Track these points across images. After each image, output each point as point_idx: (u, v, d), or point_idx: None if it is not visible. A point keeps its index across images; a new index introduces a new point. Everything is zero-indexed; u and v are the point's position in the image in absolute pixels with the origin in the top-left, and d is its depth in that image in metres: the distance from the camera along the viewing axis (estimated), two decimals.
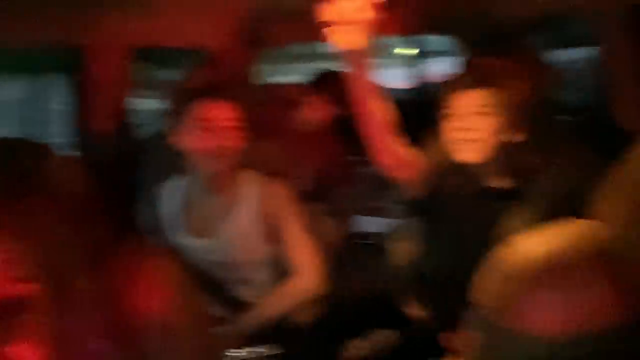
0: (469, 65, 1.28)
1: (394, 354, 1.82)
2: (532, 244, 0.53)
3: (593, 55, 1.80)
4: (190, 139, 1.29)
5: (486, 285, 0.56)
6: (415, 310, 1.55)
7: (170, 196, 1.41)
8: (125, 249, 0.68)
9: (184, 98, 1.30)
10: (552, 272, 0.50)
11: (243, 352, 1.23)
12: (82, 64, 1.64)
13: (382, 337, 1.85)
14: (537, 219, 1.02)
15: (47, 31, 1.17)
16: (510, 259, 0.54)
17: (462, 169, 1.29)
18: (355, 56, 1.09)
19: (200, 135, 1.27)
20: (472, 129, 1.19)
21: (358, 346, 1.82)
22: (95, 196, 0.68)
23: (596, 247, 0.51)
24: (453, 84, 1.25)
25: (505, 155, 1.26)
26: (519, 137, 1.25)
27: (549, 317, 0.48)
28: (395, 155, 1.23)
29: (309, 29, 2.53)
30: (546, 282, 0.50)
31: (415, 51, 3.72)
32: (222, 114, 1.28)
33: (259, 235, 1.35)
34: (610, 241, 0.51)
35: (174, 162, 1.46)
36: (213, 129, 1.27)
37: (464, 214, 1.27)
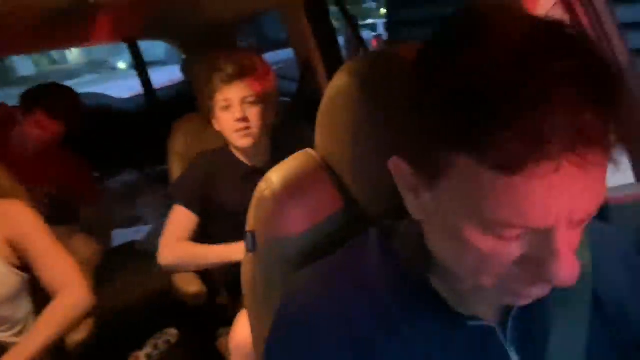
0: (223, 59, 1.34)
1: (177, 348, 1.86)
2: (273, 173, 0.70)
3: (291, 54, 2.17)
4: None
5: (253, 214, 0.71)
6: (190, 290, 1.61)
7: None
8: None
9: None
10: (290, 188, 0.67)
11: None
12: None
13: (163, 338, 1.87)
14: None
15: None
16: (260, 188, 0.70)
17: (228, 155, 1.42)
18: None
19: None
20: (247, 117, 1.32)
21: (139, 355, 1.80)
22: None
23: (312, 165, 0.70)
24: (218, 77, 1.33)
25: (266, 137, 1.44)
26: (270, 120, 1.43)
27: (291, 221, 0.65)
28: None
29: None
30: (287, 196, 0.66)
31: (130, 63, 3.72)
32: None
33: (3, 266, 1.21)
34: (322, 158, 0.71)
35: None
36: None
37: (235, 194, 1.39)
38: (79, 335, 1.25)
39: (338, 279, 0.54)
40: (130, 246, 2.14)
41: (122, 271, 1.95)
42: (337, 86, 0.65)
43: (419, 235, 0.51)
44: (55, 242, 1.28)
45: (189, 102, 1.72)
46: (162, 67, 5.10)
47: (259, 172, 1.42)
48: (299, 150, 1.54)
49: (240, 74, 1.32)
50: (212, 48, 2.35)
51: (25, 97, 1.92)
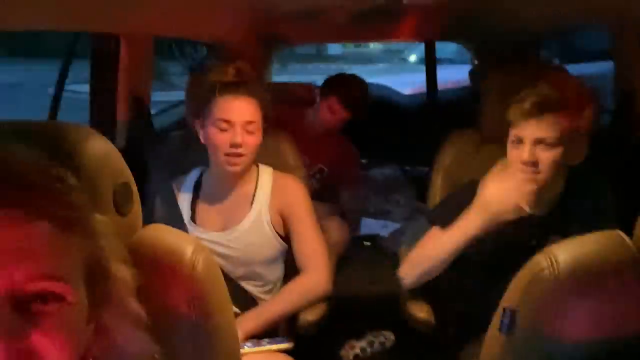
0: (524, 88, 1.14)
1: (389, 354, 1.84)
2: (561, 250, 0.55)
3: (603, 69, 1.81)
4: (211, 134, 1.27)
5: (520, 292, 0.57)
6: (418, 314, 1.55)
7: (187, 189, 1.41)
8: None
9: (206, 92, 1.28)
10: (582, 279, 0.51)
11: (259, 345, 1.23)
12: (100, 50, 1.64)
13: (380, 338, 1.88)
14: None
15: (80, 15, 1.15)
16: (538, 264, 0.56)
17: None
18: None
19: (223, 130, 1.25)
20: (537, 160, 1.12)
21: (355, 345, 1.84)
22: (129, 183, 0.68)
23: (623, 256, 0.52)
24: (513, 109, 1.15)
25: (557, 182, 1.20)
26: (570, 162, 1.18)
27: (575, 320, 0.50)
28: None
29: (321, 29, 2.56)
30: (576, 289, 0.51)
31: (421, 57, 3.79)
32: (246, 110, 1.26)
33: (272, 230, 1.36)
34: (637, 251, 0.52)
35: (190, 155, 1.46)
36: (236, 124, 1.25)
37: (504, 243, 1.19)
38: (310, 316, 1.33)
39: None
40: (374, 239, 2.20)
41: (361, 262, 2.02)
42: None
43: None
44: (315, 224, 1.38)
45: (468, 110, 1.61)
46: (450, 65, 5.09)
47: (539, 223, 1.18)
48: (595, 208, 1.21)
49: (540, 110, 1.10)
50: (509, 58, 2.17)
51: (327, 84, 2.14)
